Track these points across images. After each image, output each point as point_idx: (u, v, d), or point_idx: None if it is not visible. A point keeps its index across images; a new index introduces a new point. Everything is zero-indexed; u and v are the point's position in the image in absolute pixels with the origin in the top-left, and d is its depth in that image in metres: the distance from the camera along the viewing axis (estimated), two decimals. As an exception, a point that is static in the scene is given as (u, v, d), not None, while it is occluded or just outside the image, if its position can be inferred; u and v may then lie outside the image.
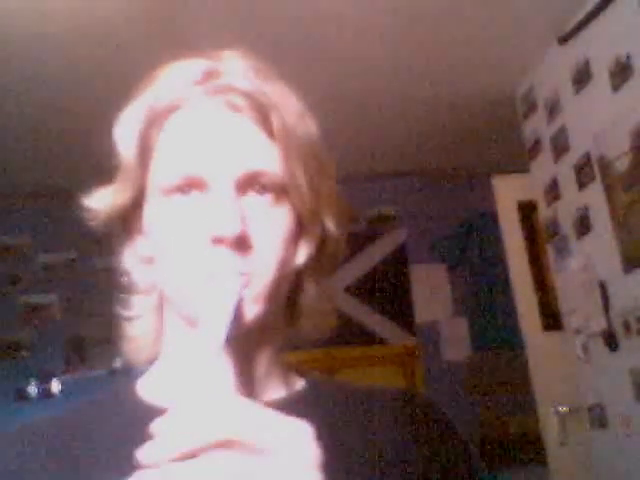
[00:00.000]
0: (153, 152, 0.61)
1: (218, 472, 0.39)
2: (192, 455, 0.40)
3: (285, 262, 0.60)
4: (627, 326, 2.08)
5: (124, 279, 0.65)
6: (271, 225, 0.59)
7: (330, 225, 0.64)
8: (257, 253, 0.57)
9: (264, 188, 0.59)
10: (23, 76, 2.41)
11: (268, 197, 0.59)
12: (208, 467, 0.40)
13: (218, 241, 0.55)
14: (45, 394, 3.06)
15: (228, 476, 0.40)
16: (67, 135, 2.81)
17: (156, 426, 0.41)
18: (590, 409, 2.34)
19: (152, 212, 0.61)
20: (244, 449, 0.41)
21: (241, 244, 0.56)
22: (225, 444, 0.40)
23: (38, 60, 2.32)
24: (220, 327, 0.50)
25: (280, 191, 0.59)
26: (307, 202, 0.61)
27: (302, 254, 0.64)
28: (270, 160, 0.59)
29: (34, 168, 3.10)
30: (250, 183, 0.58)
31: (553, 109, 2.55)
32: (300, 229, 0.62)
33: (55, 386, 3.07)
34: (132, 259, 0.65)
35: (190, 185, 0.58)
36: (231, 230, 0.55)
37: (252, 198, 0.58)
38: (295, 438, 0.42)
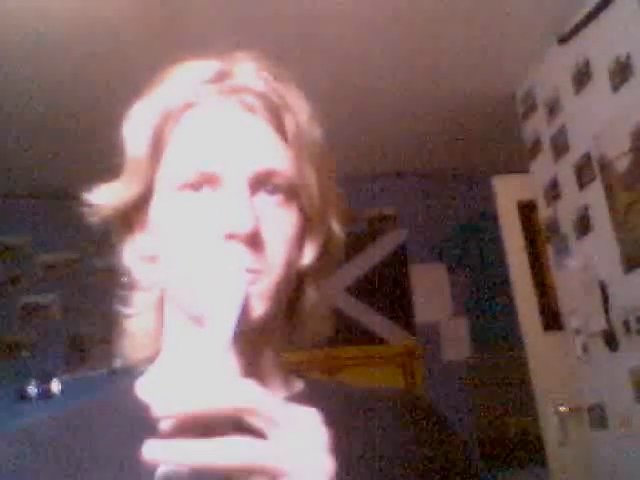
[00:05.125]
0: (165, 148, 0.61)
1: (231, 454, 0.39)
2: (205, 431, 0.40)
3: (292, 262, 0.61)
4: (627, 326, 2.08)
5: (124, 277, 0.65)
6: (281, 225, 0.59)
7: (335, 227, 0.65)
8: (267, 252, 0.57)
9: (275, 188, 0.59)
10: (23, 76, 2.41)
11: (278, 197, 0.59)
12: (221, 448, 0.40)
13: (231, 237, 0.56)
14: (45, 394, 3.06)
15: (240, 457, 0.40)
16: (67, 135, 2.81)
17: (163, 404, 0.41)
18: (590, 409, 2.34)
19: (161, 207, 0.61)
20: (257, 423, 0.41)
21: (254, 241, 0.56)
22: (236, 418, 0.40)
23: (38, 60, 2.32)
24: (227, 324, 0.50)
25: (290, 191, 0.60)
26: (316, 203, 0.62)
27: (308, 254, 0.64)
28: (282, 160, 0.60)
29: (34, 168, 3.10)
30: (263, 182, 0.59)
31: (553, 109, 2.55)
32: (307, 230, 0.63)
33: (55, 386, 3.07)
34: (132, 256, 0.65)
35: (203, 181, 0.58)
36: (245, 226, 0.55)
37: (263, 198, 0.59)
38: (304, 422, 0.43)
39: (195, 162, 0.58)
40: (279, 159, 0.60)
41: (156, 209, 0.62)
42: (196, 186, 0.58)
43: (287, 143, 0.61)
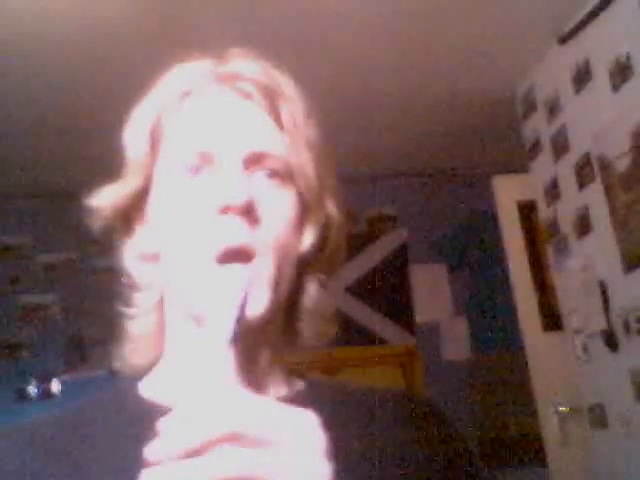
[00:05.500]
0: (163, 137, 0.62)
1: (226, 467, 0.39)
2: (200, 451, 0.40)
3: (290, 245, 0.60)
4: (627, 326, 2.08)
5: (124, 277, 0.65)
6: (278, 205, 0.59)
7: (333, 214, 0.65)
8: (264, 229, 0.57)
9: (271, 173, 0.59)
10: (23, 76, 2.41)
11: (275, 181, 0.60)
12: (216, 462, 0.39)
13: (226, 209, 0.56)
14: (45, 394, 3.06)
15: (236, 470, 0.39)
16: (67, 135, 2.81)
17: (162, 423, 0.41)
18: (590, 409, 2.34)
19: (159, 195, 0.62)
20: (251, 442, 0.40)
21: (249, 212, 0.56)
22: (232, 438, 0.40)
23: (38, 60, 2.32)
24: (226, 322, 0.50)
25: (286, 176, 0.60)
26: (312, 188, 0.62)
27: (307, 240, 0.63)
28: (278, 145, 0.60)
29: (34, 168, 3.10)
30: (257, 163, 0.59)
31: (553, 109, 2.55)
32: (304, 215, 0.63)
33: (55, 386, 3.07)
34: (132, 255, 0.64)
35: (200, 164, 0.58)
36: (239, 198, 0.55)
37: (259, 178, 0.59)
38: (300, 427, 0.42)
39: (191, 143, 0.59)
40: (274, 143, 0.60)
41: (155, 198, 0.62)
42: (193, 170, 0.59)
43: (283, 130, 0.61)
